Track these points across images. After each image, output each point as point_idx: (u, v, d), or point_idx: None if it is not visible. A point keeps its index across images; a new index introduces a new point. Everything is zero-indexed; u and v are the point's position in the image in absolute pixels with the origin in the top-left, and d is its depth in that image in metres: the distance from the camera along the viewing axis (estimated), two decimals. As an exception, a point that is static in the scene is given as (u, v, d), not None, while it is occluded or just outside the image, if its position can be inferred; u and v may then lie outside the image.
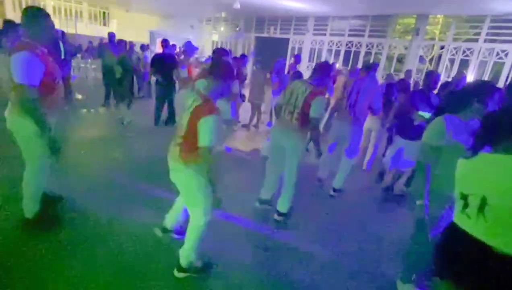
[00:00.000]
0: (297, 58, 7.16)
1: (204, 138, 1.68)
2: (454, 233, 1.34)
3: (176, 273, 2.08)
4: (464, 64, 9.83)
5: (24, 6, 18.28)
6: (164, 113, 5.66)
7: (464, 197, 1.27)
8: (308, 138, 3.11)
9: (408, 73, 6.27)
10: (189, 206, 1.98)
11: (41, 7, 2.21)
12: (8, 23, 5.10)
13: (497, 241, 1.17)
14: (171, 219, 2.36)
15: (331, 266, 2.43)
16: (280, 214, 2.97)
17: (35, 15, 2.02)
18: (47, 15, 2.09)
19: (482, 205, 1.18)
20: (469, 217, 1.25)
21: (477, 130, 1.36)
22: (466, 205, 1.26)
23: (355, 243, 2.79)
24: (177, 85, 5.58)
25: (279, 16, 14.84)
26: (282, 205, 2.95)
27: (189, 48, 4.39)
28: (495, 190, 1.17)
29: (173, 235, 2.40)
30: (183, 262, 2.06)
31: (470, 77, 9.47)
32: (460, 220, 1.31)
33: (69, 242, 2.26)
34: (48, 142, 2.06)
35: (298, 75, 4.69)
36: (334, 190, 3.72)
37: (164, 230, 2.38)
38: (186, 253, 2.04)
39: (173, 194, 2.23)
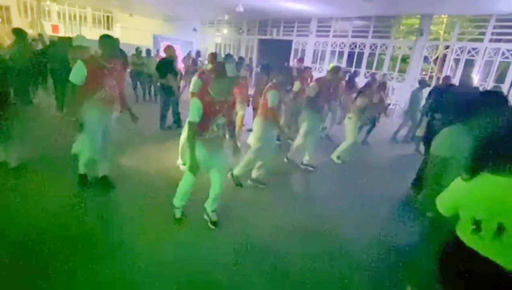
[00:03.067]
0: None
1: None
2: (460, 250, 1.32)
3: (213, 225, 2.81)
4: (469, 64, 9.77)
5: (29, 11, 18.60)
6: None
7: (476, 222, 1.23)
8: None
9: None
10: (225, 173, 2.83)
11: (111, 35, 2.93)
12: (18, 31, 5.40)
13: None
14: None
15: (335, 276, 2.44)
16: None
17: (100, 39, 2.78)
18: (110, 40, 2.80)
19: (499, 231, 1.16)
20: (482, 239, 1.23)
21: (475, 149, 1.30)
22: (478, 229, 1.23)
23: (360, 246, 2.79)
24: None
25: (282, 18, 14.85)
26: None
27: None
28: None
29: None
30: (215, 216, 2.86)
31: (476, 78, 9.41)
32: (470, 240, 1.29)
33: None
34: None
35: None
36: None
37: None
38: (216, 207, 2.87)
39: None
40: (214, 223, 2.81)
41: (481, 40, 9.50)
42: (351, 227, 3.16)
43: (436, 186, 1.72)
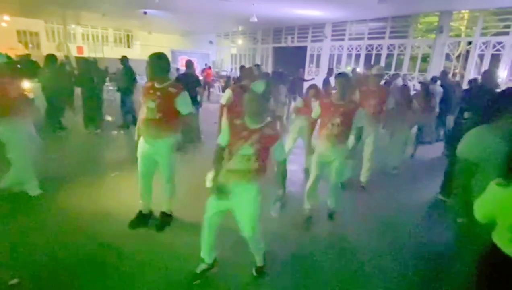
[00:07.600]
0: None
1: (283, 154, 1.91)
2: (498, 258, 1.24)
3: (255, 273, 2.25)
4: (495, 59, 9.33)
5: (56, 35, 19.82)
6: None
7: None
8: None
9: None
10: (255, 222, 1.94)
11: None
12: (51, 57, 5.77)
13: None
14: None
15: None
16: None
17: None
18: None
19: None
20: None
21: (509, 152, 1.22)
22: None
23: (398, 255, 2.70)
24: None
25: (295, 25, 14.90)
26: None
27: None
28: None
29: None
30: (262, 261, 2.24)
31: (504, 73, 8.97)
32: (508, 248, 1.21)
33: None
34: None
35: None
36: None
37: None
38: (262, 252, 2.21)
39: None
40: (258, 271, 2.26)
41: (507, 34, 9.07)
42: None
43: (466, 191, 1.64)
